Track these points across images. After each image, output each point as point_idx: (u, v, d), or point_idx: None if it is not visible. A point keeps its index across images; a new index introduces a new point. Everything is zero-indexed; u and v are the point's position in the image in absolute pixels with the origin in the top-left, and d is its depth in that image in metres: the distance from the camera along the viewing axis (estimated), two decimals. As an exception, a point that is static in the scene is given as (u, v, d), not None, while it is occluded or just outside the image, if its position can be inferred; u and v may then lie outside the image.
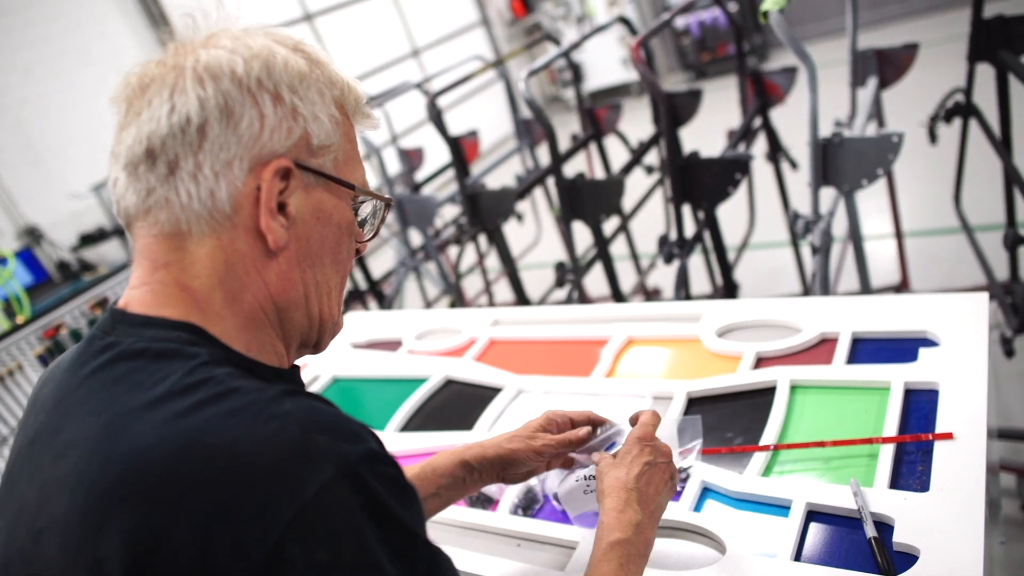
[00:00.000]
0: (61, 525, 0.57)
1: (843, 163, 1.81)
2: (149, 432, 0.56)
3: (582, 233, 2.74)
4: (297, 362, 0.77)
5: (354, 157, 0.75)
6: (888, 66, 2.36)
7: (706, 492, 1.08)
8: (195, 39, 0.69)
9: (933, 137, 2.47)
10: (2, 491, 0.67)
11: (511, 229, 3.23)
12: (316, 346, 0.77)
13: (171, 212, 0.66)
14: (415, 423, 1.50)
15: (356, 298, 3.23)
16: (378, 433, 1.51)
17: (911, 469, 1.00)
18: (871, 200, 3.51)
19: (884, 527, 0.91)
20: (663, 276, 3.68)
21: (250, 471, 0.54)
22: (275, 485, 0.54)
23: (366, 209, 0.77)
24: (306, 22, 6.51)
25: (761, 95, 2.64)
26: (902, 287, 2.89)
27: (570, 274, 2.44)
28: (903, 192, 3.10)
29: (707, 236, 2.28)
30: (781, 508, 1.00)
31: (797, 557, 0.92)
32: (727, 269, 2.33)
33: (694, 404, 1.27)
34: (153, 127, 0.65)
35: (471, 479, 1.01)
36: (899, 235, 2.80)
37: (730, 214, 3.28)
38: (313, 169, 0.70)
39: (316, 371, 1.78)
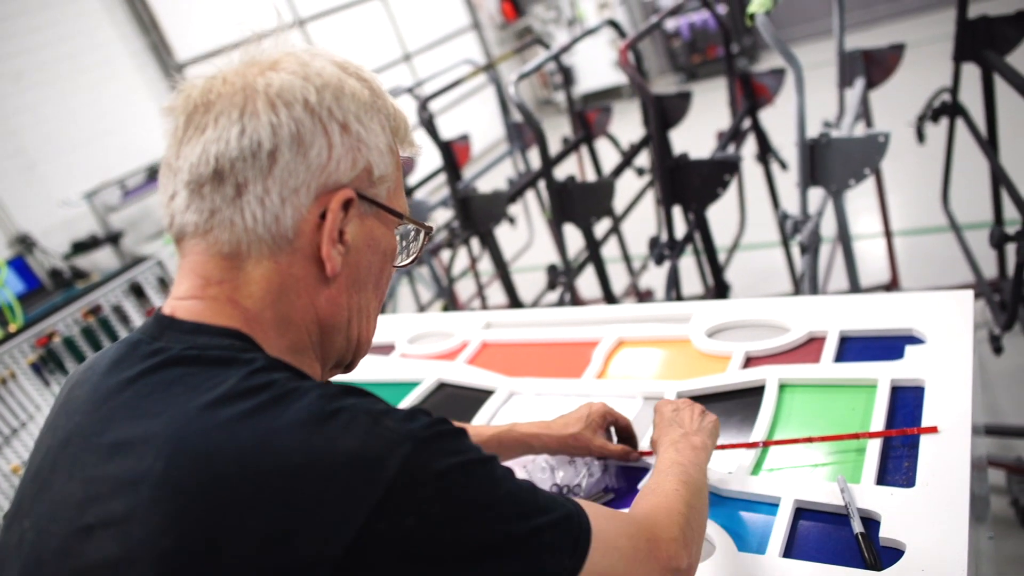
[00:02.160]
0: (120, 520, 0.57)
1: (831, 163, 1.83)
2: (217, 431, 0.58)
3: (574, 235, 2.75)
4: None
5: (401, 186, 0.77)
6: (875, 66, 2.38)
7: (696, 491, 1.09)
8: (262, 59, 0.70)
9: (921, 137, 2.49)
10: (27, 491, 0.67)
11: (503, 232, 3.23)
12: (348, 367, 0.80)
13: (234, 233, 0.67)
14: (408, 426, 1.51)
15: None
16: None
17: (897, 465, 1.01)
18: (860, 200, 3.54)
19: (871, 522, 0.92)
20: (655, 277, 3.69)
21: (328, 463, 0.57)
22: (356, 471, 0.57)
23: (409, 236, 0.80)
24: (298, 27, 6.52)
25: (750, 97, 2.66)
26: (892, 286, 2.92)
27: (562, 276, 2.45)
28: (892, 192, 3.13)
29: (697, 237, 2.30)
30: (770, 505, 1.01)
31: (786, 553, 0.93)
32: (718, 269, 2.34)
33: (684, 404, 1.28)
34: (222, 148, 0.65)
35: (523, 454, 1.16)
36: (888, 234, 2.82)
37: (721, 215, 3.30)
38: (372, 199, 0.72)
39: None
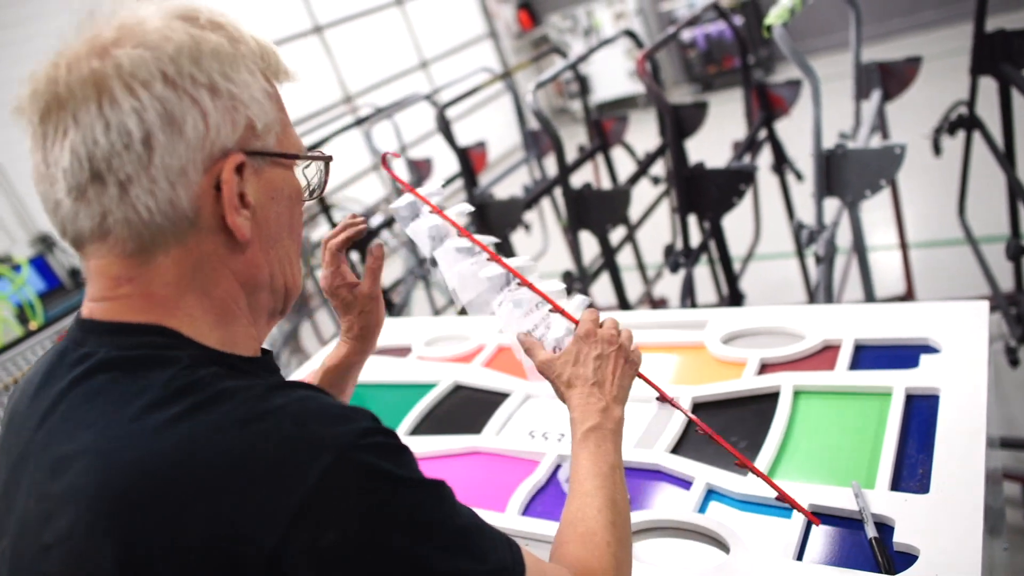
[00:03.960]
0: (66, 538, 0.57)
1: (846, 174, 1.84)
2: (143, 442, 0.57)
3: (589, 243, 2.77)
4: None
5: (288, 124, 0.73)
6: (892, 79, 2.39)
7: (710, 494, 1.10)
8: (102, 35, 0.63)
9: (937, 149, 2.50)
10: (0, 508, 0.67)
11: (519, 239, 3.26)
12: (282, 313, 0.77)
13: (132, 230, 0.63)
14: (424, 427, 1.53)
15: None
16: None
17: (912, 472, 1.02)
18: (876, 212, 3.53)
19: (884, 528, 0.93)
20: (670, 286, 3.70)
21: (252, 469, 0.56)
22: (278, 479, 0.55)
23: (311, 171, 0.77)
24: (315, 34, 6.59)
25: (766, 107, 2.68)
26: (907, 297, 2.91)
27: (577, 283, 2.47)
28: (908, 204, 3.13)
29: (712, 246, 2.31)
30: (784, 509, 1.02)
31: (799, 557, 0.94)
32: (732, 278, 2.35)
33: (699, 409, 1.30)
34: (91, 148, 0.61)
35: (355, 363, 1.07)
36: (904, 246, 2.82)
37: (736, 225, 3.31)
38: (262, 152, 0.68)
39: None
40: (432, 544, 0.59)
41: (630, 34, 2.92)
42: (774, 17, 1.80)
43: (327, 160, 0.79)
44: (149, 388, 0.59)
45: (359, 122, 3.45)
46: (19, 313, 3.66)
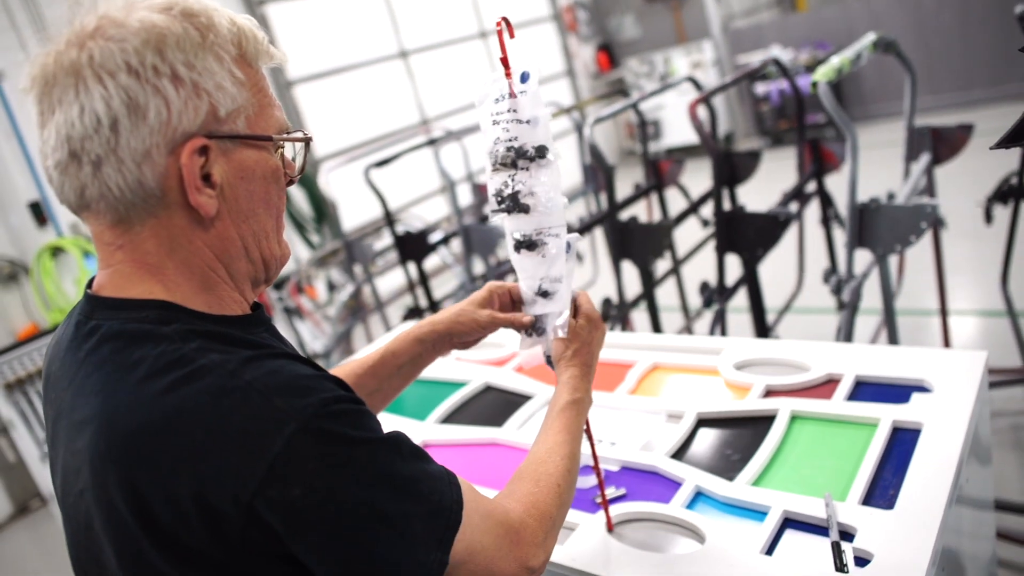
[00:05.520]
0: (91, 486, 0.69)
1: (878, 228, 1.92)
2: (138, 411, 0.67)
3: (633, 275, 2.89)
4: None
5: (267, 105, 0.77)
6: (942, 144, 2.45)
7: (698, 496, 1.21)
8: (83, 28, 0.70)
9: (989, 217, 2.55)
10: (51, 457, 0.80)
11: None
12: (267, 281, 0.83)
13: (109, 204, 0.71)
14: (453, 418, 1.67)
15: (417, 314, 3.44)
16: (418, 424, 1.65)
17: (883, 492, 1.10)
18: (923, 275, 3.54)
19: (847, 535, 1.03)
20: (708, 327, 3.77)
21: (225, 439, 0.65)
22: (247, 447, 0.64)
23: (288, 151, 0.81)
24: (400, 59, 6.92)
25: (818, 161, 2.76)
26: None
27: (615, 310, 2.58)
28: (955, 272, 3.14)
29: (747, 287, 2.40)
30: (761, 514, 1.12)
31: (769, 552, 1.04)
32: (761, 315, 2.43)
33: (703, 424, 1.40)
34: (69, 129, 0.68)
35: (427, 352, 1.15)
36: (944, 312, 2.84)
37: (780, 274, 3.37)
38: (227, 135, 0.73)
39: (371, 366, 1.97)
40: (382, 492, 0.69)
41: (692, 80, 3.05)
42: (821, 75, 1.92)
43: (307, 141, 0.83)
44: (143, 361, 0.68)
45: (430, 142, 3.66)
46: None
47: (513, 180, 1.04)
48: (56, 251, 4.41)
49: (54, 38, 0.70)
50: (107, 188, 0.70)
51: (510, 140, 1.02)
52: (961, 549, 1.15)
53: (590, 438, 1.11)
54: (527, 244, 1.06)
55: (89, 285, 0.78)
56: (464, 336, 1.13)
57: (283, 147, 0.79)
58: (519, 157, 1.02)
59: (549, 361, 1.10)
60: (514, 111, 1.01)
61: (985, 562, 1.36)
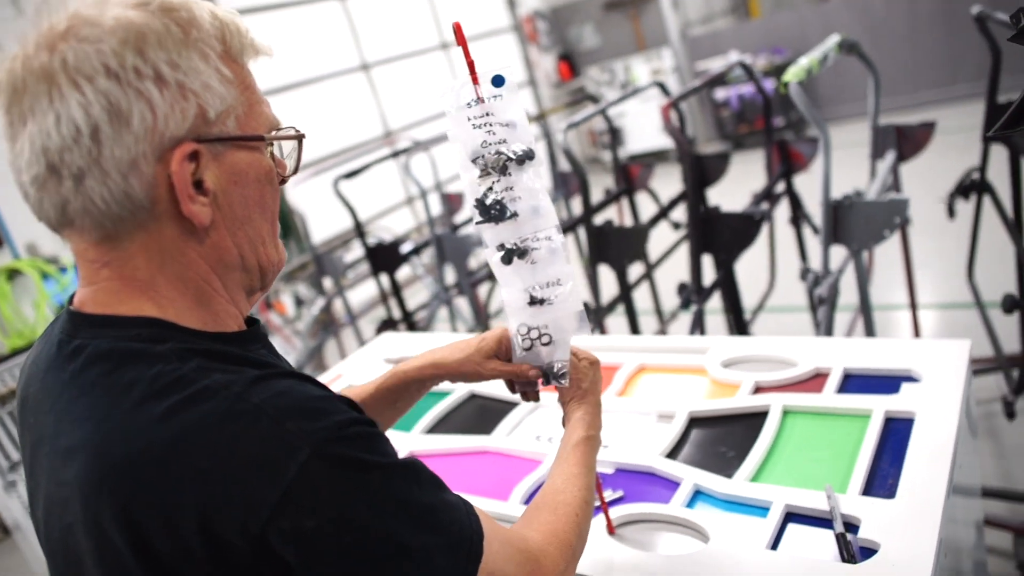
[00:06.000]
0: (82, 519, 0.63)
1: (853, 224, 1.95)
2: (135, 437, 0.61)
3: (608, 279, 2.89)
4: None
5: (256, 102, 0.73)
6: (906, 141, 2.50)
7: (698, 494, 1.20)
8: (54, 28, 0.64)
9: (951, 212, 2.60)
10: (30, 486, 0.73)
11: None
12: (263, 289, 0.79)
13: (94, 219, 0.65)
14: (439, 428, 1.64)
15: (390, 326, 3.40)
16: (404, 435, 1.62)
17: (882, 482, 1.11)
18: (891, 270, 3.62)
19: (851, 526, 1.02)
20: (683, 328, 3.80)
21: (233, 465, 0.60)
22: (258, 474, 0.60)
23: (282, 149, 0.77)
24: (363, 71, 6.87)
25: (786, 161, 2.80)
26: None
27: (592, 314, 2.58)
28: (923, 266, 3.21)
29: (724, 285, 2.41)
30: (763, 509, 1.11)
31: (774, 547, 1.04)
32: (739, 315, 2.45)
33: (695, 423, 1.39)
34: (45, 141, 0.63)
35: (426, 389, 1.13)
36: (914, 306, 2.89)
37: (752, 274, 3.41)
38: (218, 138, 0.68)
39: (351, 382, 1.93)
40: (401, 522, 0.64)
41: (660, 86, 3.08)
42: (791, 75, 1.94)
43: (299, 138, 0.78)
44: (137, 383, 0.63)
45: (396, 154, 3.63)
46: (60, 312, 3.84)
47: (498, 186, 0.99)
48: (12, 273, 4.27)
49: (20, 41, 0.65)
50: (91, 202, 0.64)
51: (499, 143, 0.99)
52: (958, 535, 1.16)
53: None
54: (519, 252, 1.02)
55: (70, 302, 0.73)
56: (466, 379, 1.10)
57: (273, 146, 0.75)
58: (508, 161, 0.99)
59: (545, 379, 1.06)
60: (493, 114, 0.98)
61: (975, 547, 1.37)
